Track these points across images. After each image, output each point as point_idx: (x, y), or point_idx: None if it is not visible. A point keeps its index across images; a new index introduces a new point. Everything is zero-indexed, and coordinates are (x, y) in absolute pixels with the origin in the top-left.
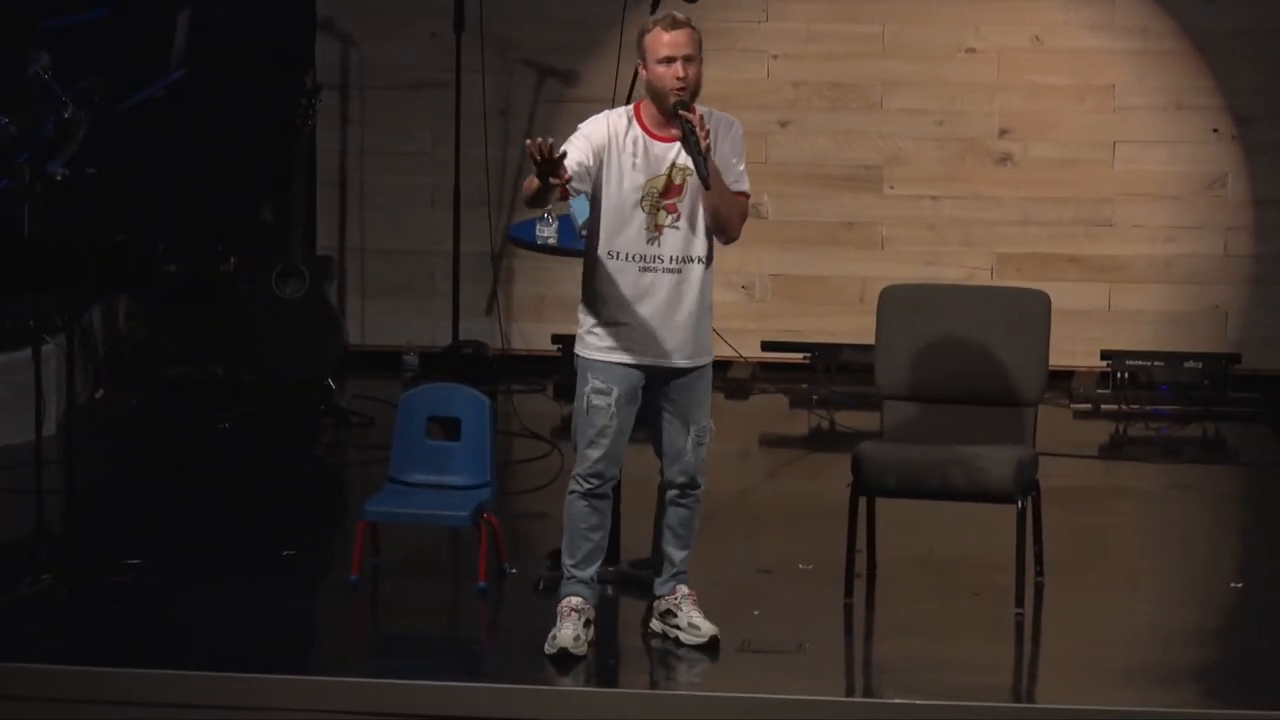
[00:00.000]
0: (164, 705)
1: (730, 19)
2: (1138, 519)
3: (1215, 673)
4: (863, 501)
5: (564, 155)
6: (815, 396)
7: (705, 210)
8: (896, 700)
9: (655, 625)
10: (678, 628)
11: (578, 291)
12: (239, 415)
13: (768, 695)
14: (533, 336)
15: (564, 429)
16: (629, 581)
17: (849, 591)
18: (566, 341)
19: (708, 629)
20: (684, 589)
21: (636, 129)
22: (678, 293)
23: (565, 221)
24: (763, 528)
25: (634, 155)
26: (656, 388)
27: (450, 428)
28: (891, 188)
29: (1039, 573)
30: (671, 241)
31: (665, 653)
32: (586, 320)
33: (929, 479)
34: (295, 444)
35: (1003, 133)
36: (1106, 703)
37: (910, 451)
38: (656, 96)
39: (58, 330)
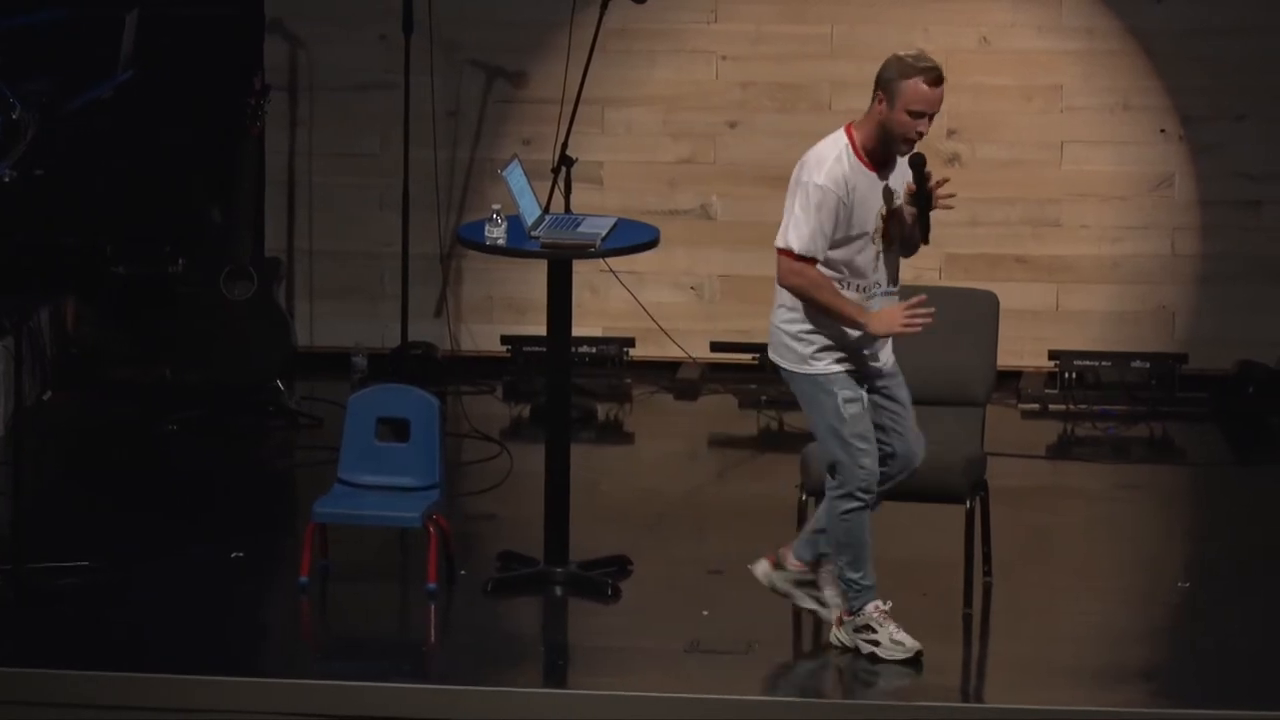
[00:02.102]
0: (113, 707)
1: (679, 20)
2: (1085, 519)
3: (1163, 672)
4: (811, 502)
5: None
6: (764, 397)
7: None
8: (845, 701)
9: (842, 638)
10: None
11: (526, 292)
12: (187, 417)
13: (717, 696)
14: (482, 338)
15: (512, 430)
16: (578, 582)
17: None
18: (515, 342)
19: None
20: (878, 602)
21: (858, 164)
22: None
23: (514, 222)
24: (712, 528)
25: (862, 194)
26: (873, 385)
27: (399, 429)
28: None
29: (987, 572)
30: (891, 264)
31: (614, 653)
32: (814, 341)
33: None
34: (244, 446)
35: (950, 133)
36: (1054, 702)
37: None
38: (889, 138)
39: (5, 332)
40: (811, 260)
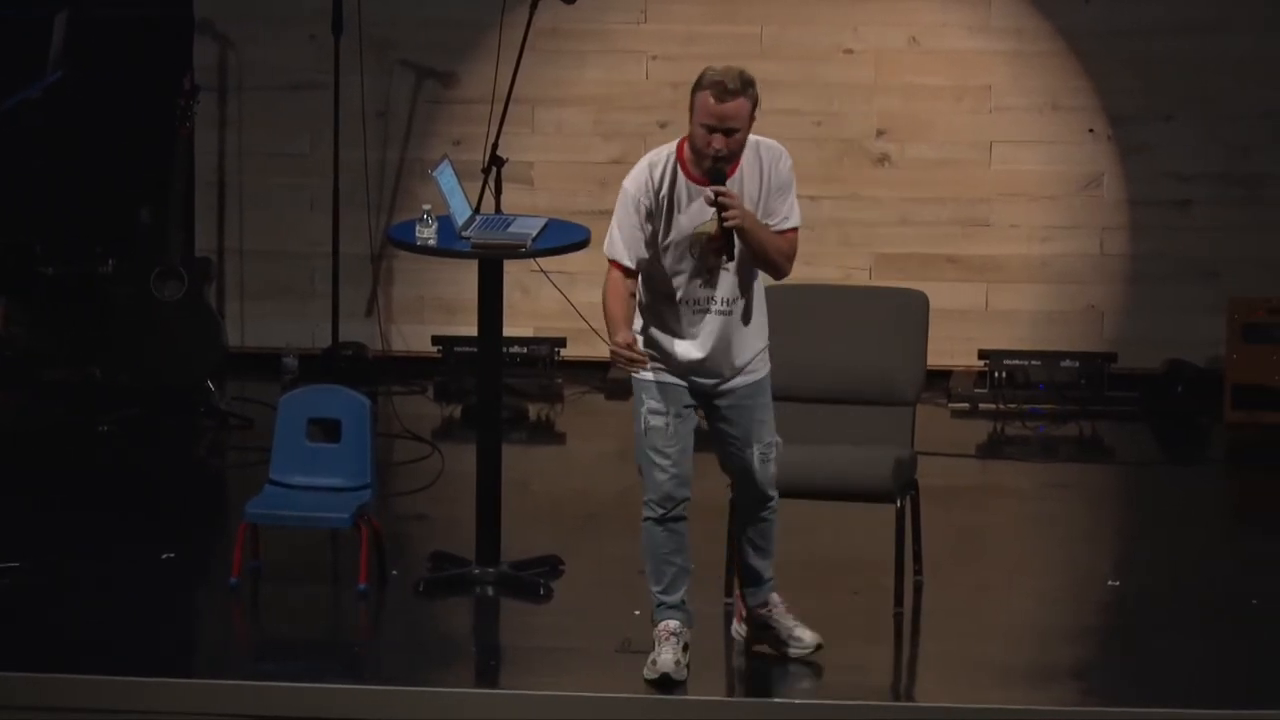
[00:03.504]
0: (44, 709)
1: (609, 20)
2: (1015, 518)
3: (1093, 670)
4: None
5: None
6: None
7: (753, 260)
8: (777, 700)
9: (740, 630)
10: (780, 641)
11: (457, 293)
12: (118, 418)
13: (648, 695)
14: (413, 338)
15: (443, 430)
16: (509, 582)
17: (730, 592)
18: (446, 343)
19: (810, 639)
20: (775, 596)
21: (680, 176)
22: (728, 330)
23: (445, 223)
24: None
25: (678, 204)
26: (711, 405)
27: (330, 429)
28: None
29: (918, 572)
30: (724, 284)
31: (546, 653)
32: (642, 345)
33: (808, 479)
34: (175, 446)
35: (880, 133)
36: (985, 701)
37: (790, 452)
38: (694, 150)
39: None
40: (614, 263)
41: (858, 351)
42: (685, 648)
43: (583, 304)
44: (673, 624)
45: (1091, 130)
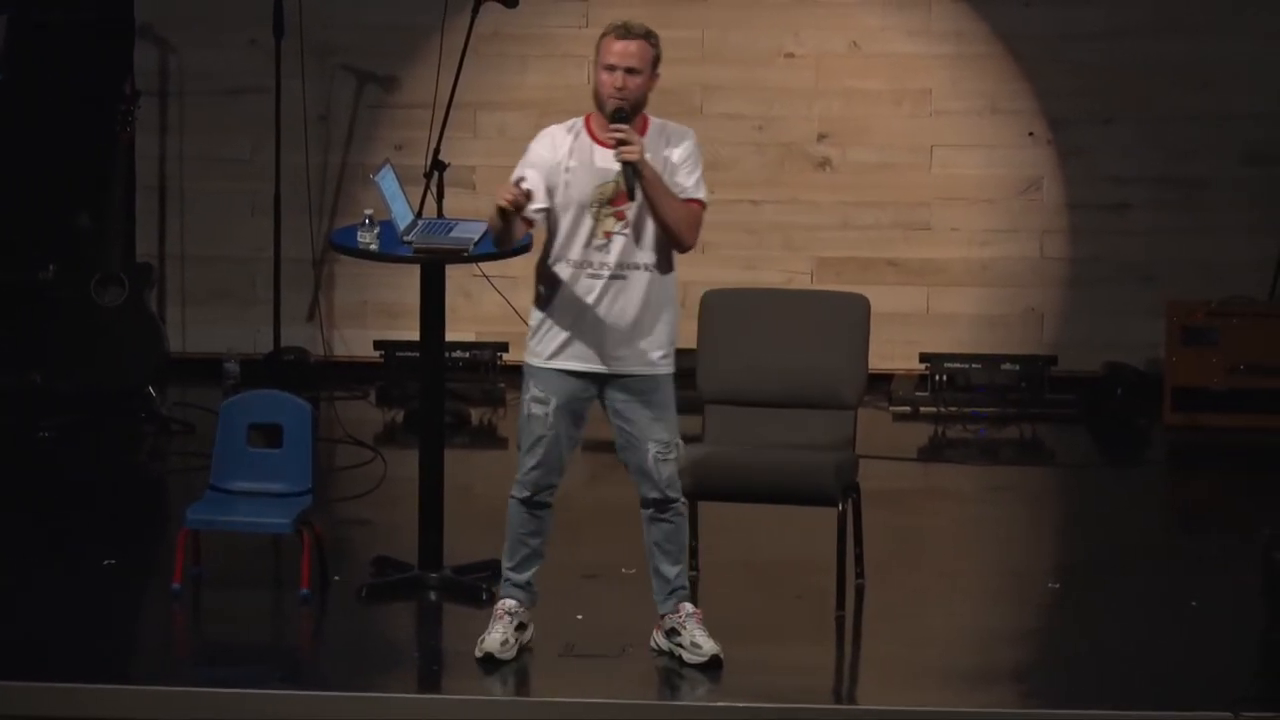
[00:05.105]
0: None
1: (551, 25)
2: (956, 520)
3: (1034, 672)
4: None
5: (530, 194)
6: None
7: (652, 218)
8: (719, 703)
9: (660, 642)
10: (680, 646)
11: (399, 297)
12: (59, 424)
13: (591, 700)
14: (355, 343)
15: (386, 435)
16: (451, 587)
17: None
18: (388, 347)
19: (709, 648)
20: (688, 606)
21: (584, 138)
22: (621, 299)
23: (387, 227)
24: (585, 532)
25: (580, 164)
26: (606, 399)
27: (272, 435)
28: (711, 192)
29: (859, 574)
30: (618, 247)
31: (489, 658)
32: (532, 327)
33: (751, 482)
34: (116, 452)
35: (821, 137)
36: (926, 703)
37: (732, 455)
38: (599, 102)
39: None
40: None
41: (799, 355)
42: (520, 627)
43: (525, 308)
44: (510, 603)
45: (1031, 134)
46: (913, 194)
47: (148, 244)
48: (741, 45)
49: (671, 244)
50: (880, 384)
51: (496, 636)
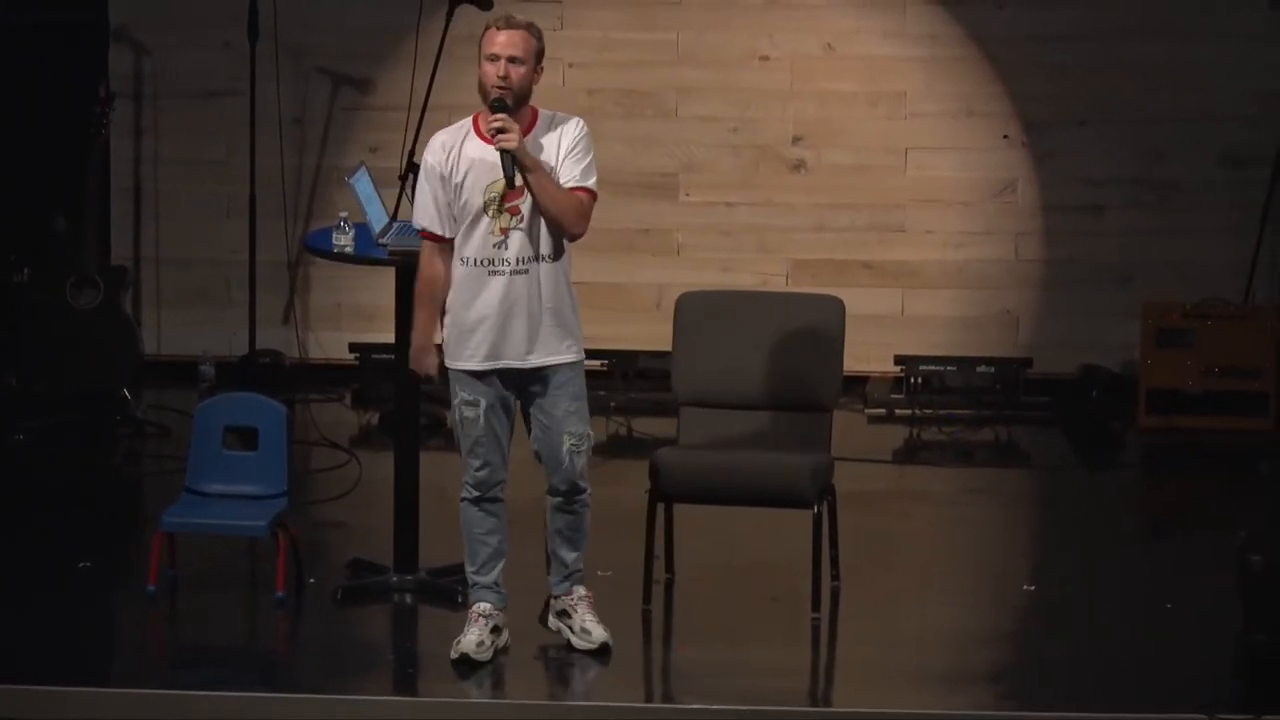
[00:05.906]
0: None
1: None
2: (931, 523)
3: (1009, 674)
4: (661, 508)
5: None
6: (613, 403)
7: (537, 207)
8: (695, 705)
9: (552, 623)
10: (570, 630)
11: (374, 299)
12: (34, 426)
13: (567, 702)
14: (330, 345)
15: (361, 438)
16: (426, 590)
17: (647, 598)
18: (364, 350)
19: (599, 635)
20: (580, 589)
21: (473, 138)
22: (525, 292)
23: (362, 230)
24: None
25: (470, 166)
26: (523, 393)
27: (247, 437)
28: (687, 195)
29: (835, 577)
30: (516, 243)
31: (465, 660)
32: (447, 331)
33: (726, 484)
34: (91, 455)
35: (796, 139)
36: (901, 706)
37: (707, 457)
38: (483, 94)
39: None
40: (427, 234)
41: (775, 357)
42: (496, 630)
43: None
44: (483, 605)
45: (1006, 136)
46: (888, 196)
47: (123, 246)
48: (716, 48)
49: (560, 233)
50: (855, 386)
51: (472, 638)
